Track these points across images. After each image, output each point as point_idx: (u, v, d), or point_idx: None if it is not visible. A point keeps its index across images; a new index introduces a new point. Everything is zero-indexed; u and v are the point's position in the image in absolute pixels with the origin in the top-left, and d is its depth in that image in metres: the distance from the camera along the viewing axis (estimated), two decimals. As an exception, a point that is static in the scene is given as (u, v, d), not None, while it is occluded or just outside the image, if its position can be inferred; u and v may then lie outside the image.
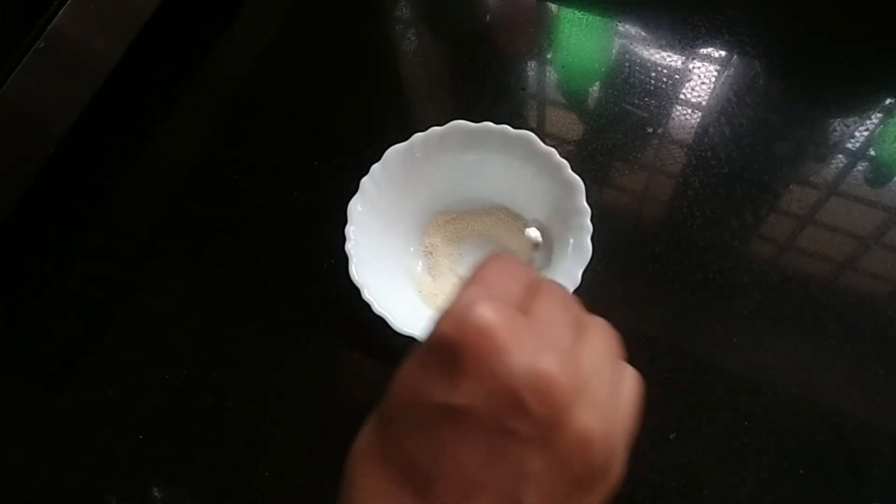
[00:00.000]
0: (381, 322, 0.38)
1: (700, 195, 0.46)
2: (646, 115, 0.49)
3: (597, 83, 0.52)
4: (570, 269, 0.38)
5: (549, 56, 0.54)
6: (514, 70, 0.54)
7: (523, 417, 0.18)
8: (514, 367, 0.18)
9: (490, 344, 0.18)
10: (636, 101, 0.50)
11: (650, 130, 0.49)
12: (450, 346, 0.19)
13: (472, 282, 0.21)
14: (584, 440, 0.18)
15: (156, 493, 0.42)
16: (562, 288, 0.22)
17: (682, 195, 0.46)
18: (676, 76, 0.51)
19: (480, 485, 0.18)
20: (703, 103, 0.50)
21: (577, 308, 0.21)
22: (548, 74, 0.53)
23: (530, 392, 0.18)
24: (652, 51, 0.52)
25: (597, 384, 0.19)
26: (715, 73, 0.50)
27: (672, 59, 0.51)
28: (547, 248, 0.42)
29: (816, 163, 0.47)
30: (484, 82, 0.53)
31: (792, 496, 0.38)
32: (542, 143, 0.40)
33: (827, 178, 0.46)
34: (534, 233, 0.40)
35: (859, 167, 0.46)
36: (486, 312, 0.18)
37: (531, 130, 0.40)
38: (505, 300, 0.20)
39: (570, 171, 0.40)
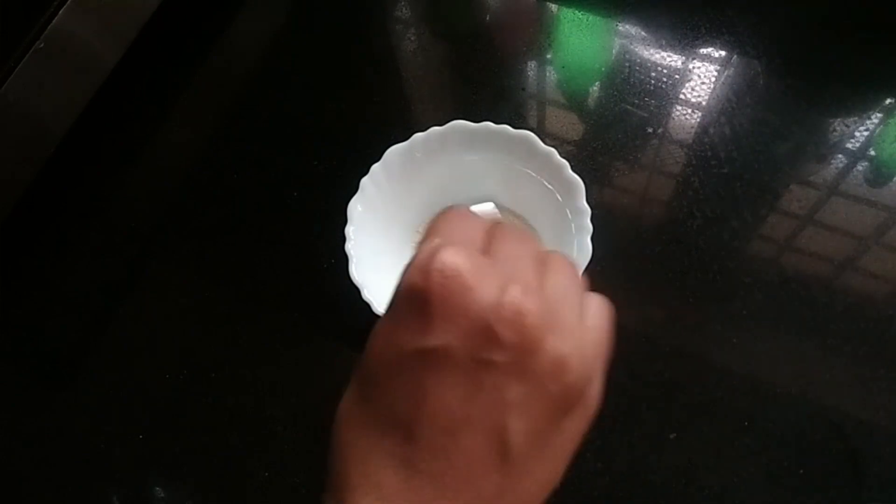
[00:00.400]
0: (381, 322, 0.38)
1: (700, 195, 0.46)
2: (646, 115, 0.49)
3: (597, 83, 0.52)
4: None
5: (549, 56, 0.54)
6: (514, 70, 0.54)
7: (497, 347, 0.19)
8: (482, 301, 0.19)
9: (456, 284, 0.19)
10: (636, 101, 0.50)
11: (650, 130, 0.49)
12: (418, 294, 0.19)
13: (429, 234, 0.21)
14: (557, 362, 0.19)
15: (156, 493, 0.42)
16: (519, 228, 0.22)
17: (682, 195, 0.46)
18: (676, 76, 0.51)
19: (464, 420, 0.19)
20: (703, 103, 0.49)
21: (536, 244, 0.22)
22: (548, 74, 0.53)
23: (500, 322, 0.19)
24: (652, 51, 0.52)
25: (563, 311, 0.20)
26: (715, 73, 0.50)
27: (672, 59, 0.51)
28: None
29: (816, 163, 0.47)
30: (484, 82, 0.53)
31: (792, 496, 0.38)
32: (542, 143, 0.40)
33: (827, 178, 0.46)
34: (488, 207, 0.42)
35: (859, 167, 0.46)
36: (448, 256, 0.19)
37: (531, 130, 0.40)
38: (464, 244, 0.20)
39: (570, 171, 0.40)
